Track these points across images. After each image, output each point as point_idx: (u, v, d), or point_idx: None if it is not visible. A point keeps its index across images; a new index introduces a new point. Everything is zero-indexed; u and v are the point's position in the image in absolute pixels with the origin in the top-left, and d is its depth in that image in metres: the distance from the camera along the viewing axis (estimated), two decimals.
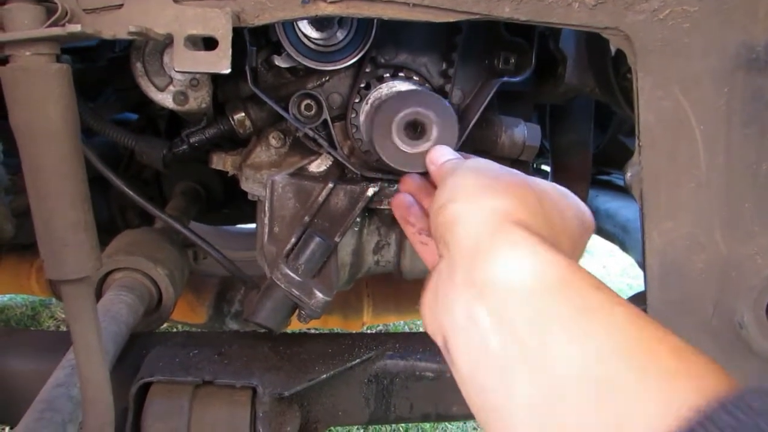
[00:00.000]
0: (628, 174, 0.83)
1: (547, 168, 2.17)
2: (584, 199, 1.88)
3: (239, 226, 2.57)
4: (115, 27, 0.69)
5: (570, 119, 1.86)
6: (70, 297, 0.74)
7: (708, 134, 0.79)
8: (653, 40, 0.78)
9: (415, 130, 1.02)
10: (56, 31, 0.63)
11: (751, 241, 0.81)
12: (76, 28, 0.62)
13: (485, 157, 1.30)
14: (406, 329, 3.61)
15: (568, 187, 1.89)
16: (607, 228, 2.18)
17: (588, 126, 1.87)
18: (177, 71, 0.86)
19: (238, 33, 1.02)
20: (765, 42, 0.78)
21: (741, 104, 0.79)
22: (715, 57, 0.78)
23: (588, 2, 0.78)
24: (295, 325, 1.22)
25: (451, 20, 0.78)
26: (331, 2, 0.75)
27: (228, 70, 0.70)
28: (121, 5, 0.70)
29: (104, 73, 1.82)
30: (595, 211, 2.21)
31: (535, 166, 2.68)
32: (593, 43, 1.22)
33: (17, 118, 0.67)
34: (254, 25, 0.74)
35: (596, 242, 2.43)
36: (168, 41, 0.69)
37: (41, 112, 0.66)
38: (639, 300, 0.90)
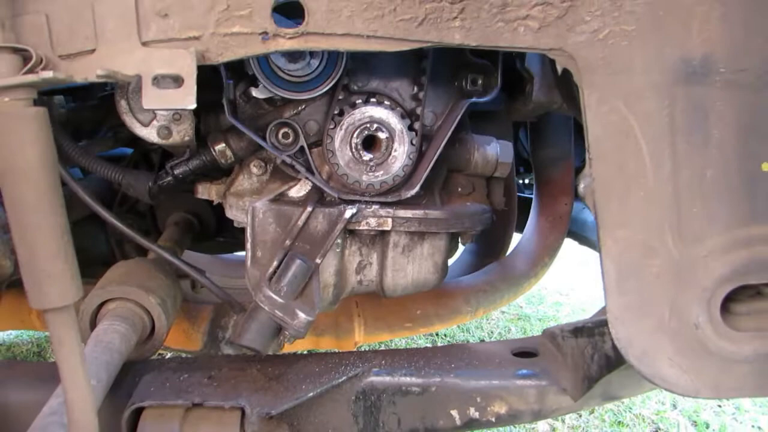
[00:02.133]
0: (581, 185, 0.87)
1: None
2: (569, 212, 1.91)
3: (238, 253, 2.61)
4: (86, 71, 0.74)
5: (549, 134, 1.90)
6: (54, 325, 0.78)
7: (653, 145, 0.84)
8: (595, 58, 0.83)
9: None
10: (30, 78, 0.68)
11: (701, 245, 0.85)
12: (48, 74, 0.67)
13: (459, 175, 1.35)
14: (414, 345, 3.61)
15: (552, 201, 1.94)
16: (593, 239, 2.20)
17: (568, 139, 1.91)
18: (145, 109, 0.91)
19: (216, 69, 1.07)
20: (701, 56, 0.82)
21: (683, 115, 0.83)
22: (655, 72, 0.83)
23: (532, 26, 0.83)
24: (288, 347, 1.25)
25: (405, 49, 0.83)
26: (289, 38, 0.80)
27: (193, 106, 0.75)
28: (94, 50, 0.76)
29: (96, 111, 1.88)
30: (582, 223, 2.24)
31: (527, 182, 2.73)
32: None
33: None
34: (218, 62, 0.79)
35: (592, 252, 2.45)
36: (137, 82, 0.74)
37: (20, 153, 0.71)
38: (604, 312, 0.93)
